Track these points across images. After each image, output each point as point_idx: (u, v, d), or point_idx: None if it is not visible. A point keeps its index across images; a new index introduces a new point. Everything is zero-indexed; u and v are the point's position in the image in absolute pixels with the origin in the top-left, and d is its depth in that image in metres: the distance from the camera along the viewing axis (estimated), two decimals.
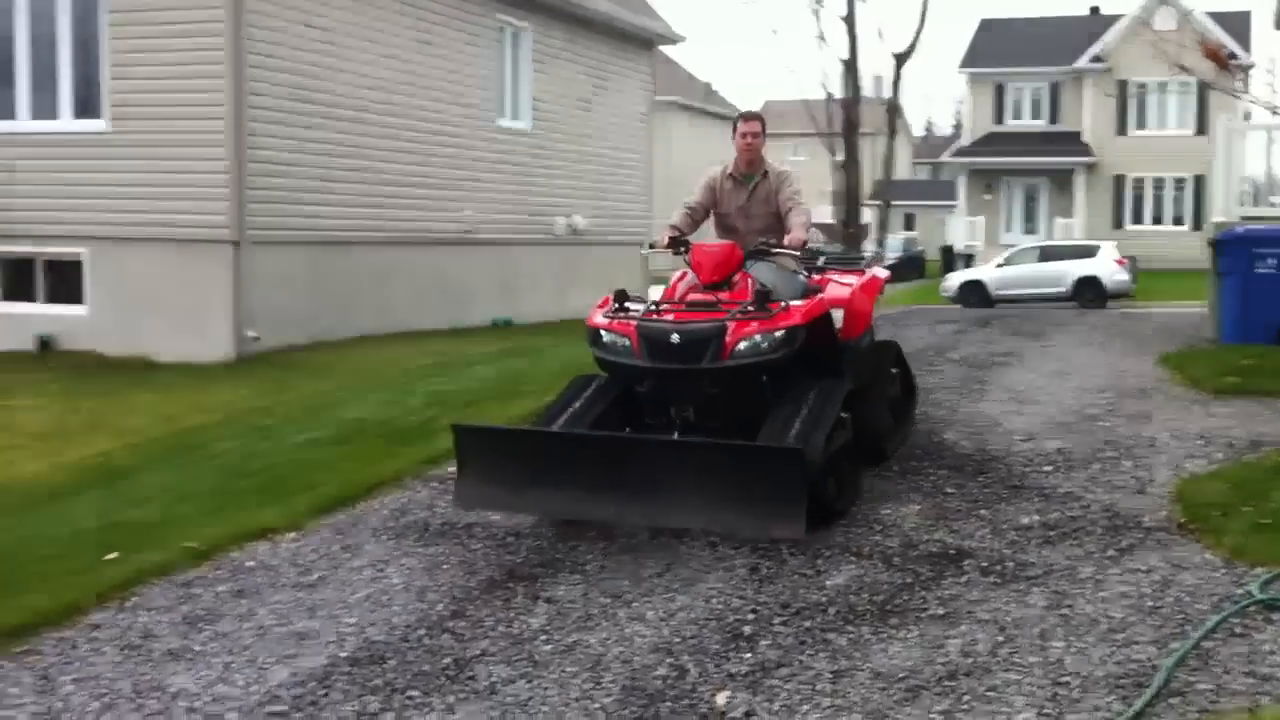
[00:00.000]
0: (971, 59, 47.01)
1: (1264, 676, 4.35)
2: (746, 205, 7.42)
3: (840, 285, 7.57)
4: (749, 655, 4.80)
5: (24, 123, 14.54)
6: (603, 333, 6.65)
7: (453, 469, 6.88)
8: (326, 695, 4.63)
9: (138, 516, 7.15)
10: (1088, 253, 29.63)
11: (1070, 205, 43.58)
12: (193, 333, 13.65)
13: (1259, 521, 5.98)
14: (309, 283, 14.83)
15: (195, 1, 13.63)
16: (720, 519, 5.91)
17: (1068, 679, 4.41)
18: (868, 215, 45.56)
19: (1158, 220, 43.09)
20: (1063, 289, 28.36)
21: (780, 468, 5.82)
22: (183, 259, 13.86)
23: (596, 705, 4.43)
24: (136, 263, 14.02)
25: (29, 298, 14.69)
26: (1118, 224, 42.59)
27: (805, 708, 4.32)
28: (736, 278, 6.67)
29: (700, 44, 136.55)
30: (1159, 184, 43.24)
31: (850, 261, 8.63)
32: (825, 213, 47.89)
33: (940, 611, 5.12)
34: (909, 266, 43.84)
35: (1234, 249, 12.54)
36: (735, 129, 7.49)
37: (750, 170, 7.45)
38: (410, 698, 4.58)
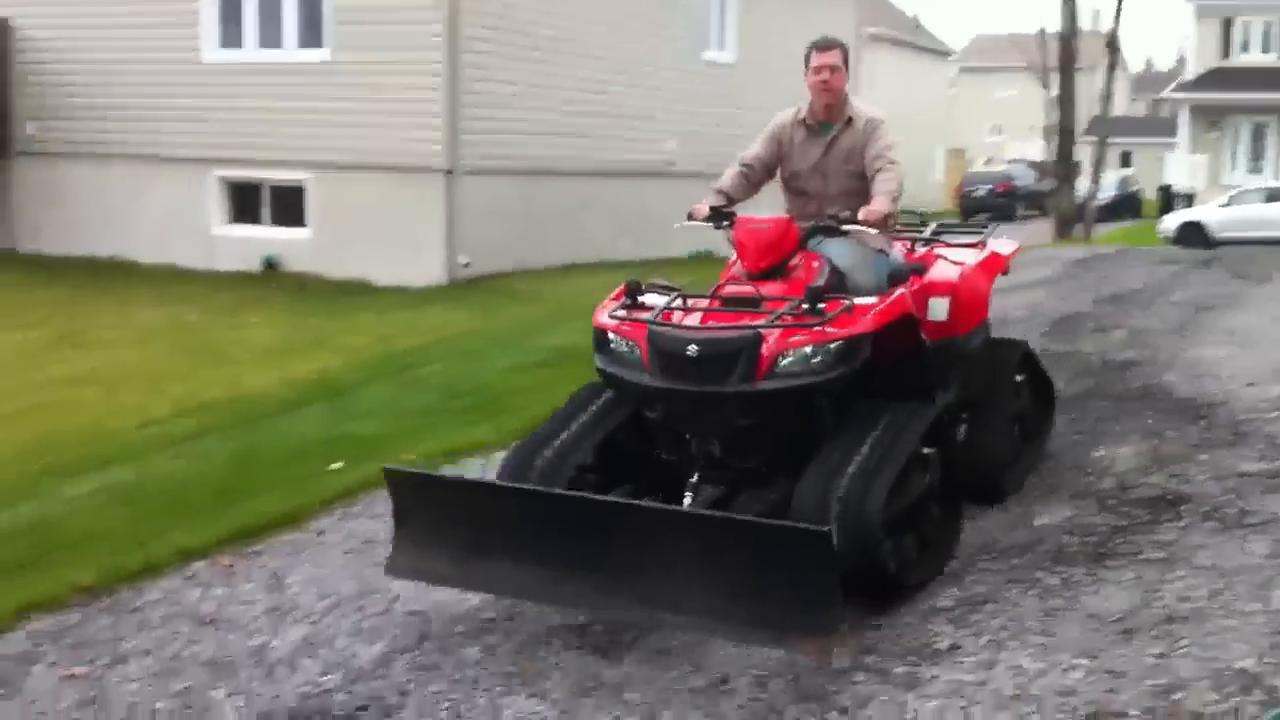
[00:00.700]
0: None
1: None
2: (823, 162, 5.62)
3: (948, 265, 5.91)
4: (955, 590, 4.79)
5: (251, 52, 15.17)
6: (610, 336, 5.01)
7: None
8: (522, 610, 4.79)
9: (359, 430, 7.49)
10: None
11: None
12: (407, 258, 14.11)
13: None
14: (515, 212, 15.13)
15: None
16: (725, 619, 4.21)
17: None
18: (1082, 152, 43.90)
19: None
20: None
21: (801, 557, 4.05)
22: (399, 187, 14.32)
23: None
24: (355, 189, 14.54)
25: (256, 220, 15.41)
26: None
27: (1013, 644, 4.29)
28: (797, 261, 5.10)
29: None
30: None
31: (967, 232, 6.73)
32: (1036, 149, 46.33)
33: (1157, 555, 4.99)
34: (1125, 206, 42.26)
35: None
36: (807, 62, 5.64)
37: (829, 117, 5.64)
38: None
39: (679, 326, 4.85)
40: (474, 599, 4.84)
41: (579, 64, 15.92)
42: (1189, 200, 37.07)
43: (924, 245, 6.11)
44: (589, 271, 15.17)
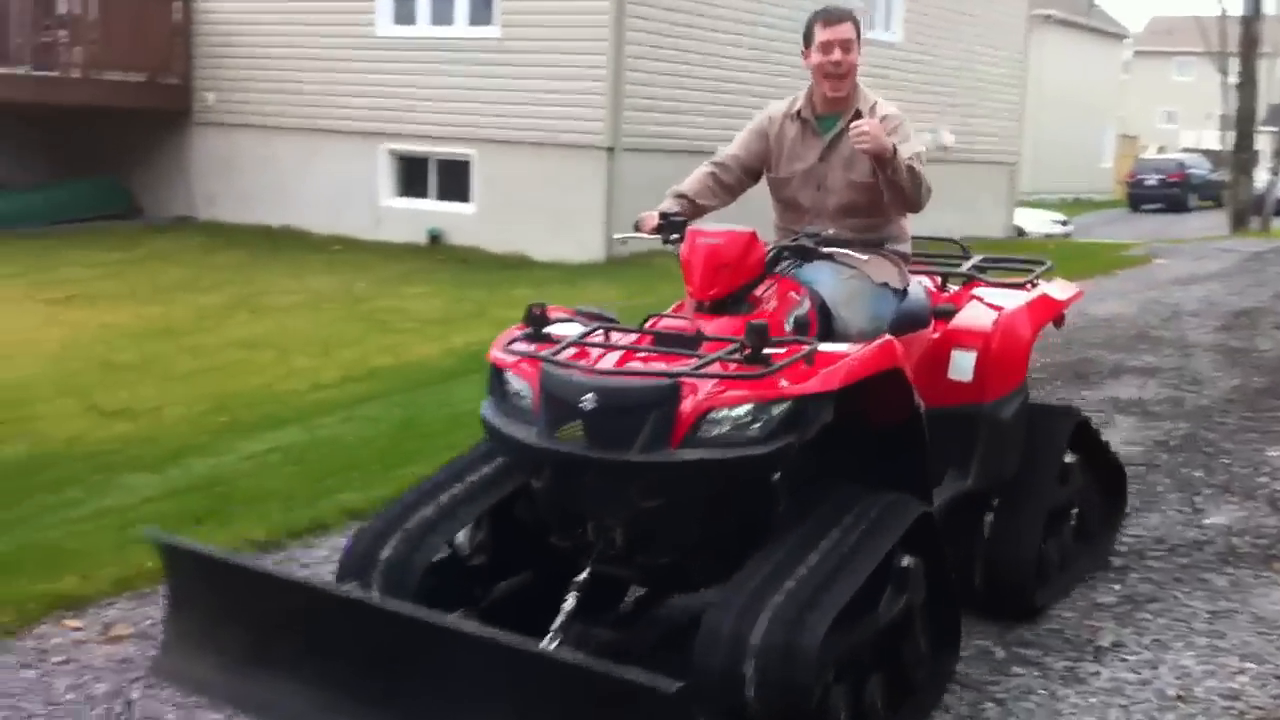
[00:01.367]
0: None
1: None
2: (819, 168, 4.34)
3: (982, 309, 4.58)
4: (1119, 586, 4.69)
5: (424, 28, 15.50)
6: (507, 376, 3.77)
7: None
8: None
9: None
10: None
11: None
12: (566, 234, 14.28)
13: None
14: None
15: None
16: None
17: None
18: (1261, 141, 42.14)
19: None
20: None
21: None
22: (561, 163, 14.49)
23: None
24: (518, 165, 14.77)
25: (422, 194, 15.77)
26: None
27: (1178, 645, 4.20)
28: (767, 290, 3.90)
29: None
30: None
31: (1019, 268, 5.12)
32: (1212, 138, 44.62)
33: None
34: None
35: None
36: (809, 39, 4.31)
37: (833, 109, 4.32)
38: None
39: (584, 369, 3.55)
40: None
41: (739, 41, 15.88)
42: None
43: (963, 281, 4.88)
44: None
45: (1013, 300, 4.65)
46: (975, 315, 4.53)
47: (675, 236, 4.15)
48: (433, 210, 15.45)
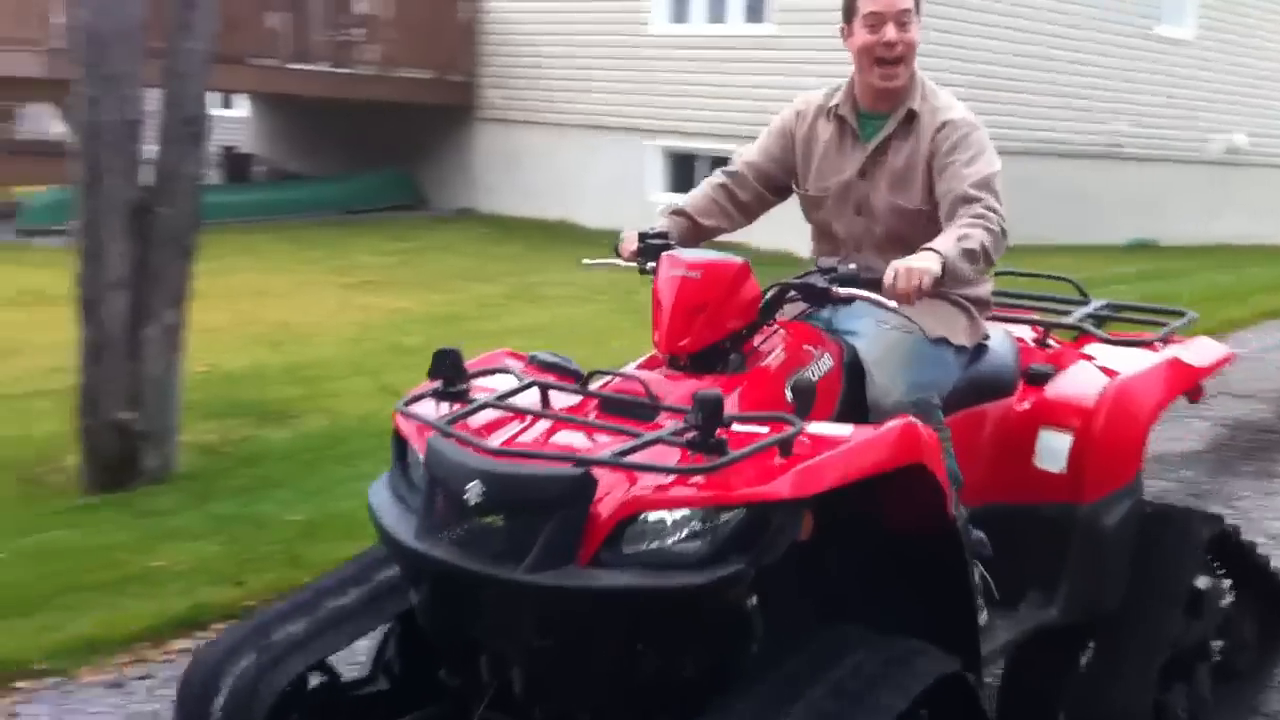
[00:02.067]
0: None
1: None
2: (859, 185, 3.34)
3: (1091, 373, 3.52)
4: None
5: (698, 25, 15.71)
6: (408, 446, 2.93)
7: None
8: None
9: None
10: None
11: None
12: None
13: None
14: None
15: None
16: None
17: None
18: None
19: None
20: None
21: None
22: None
23: None
24: None
25: (689, 190, 15.97)
26: None
27: None
28: (767, 341, 2.93)
29: None
30: None
31: (1151, 319, 4.03)
32: None
33: None
34: None
35: None
36: (850, 11, 3.38)
37: (881, 105, 3.39)
38: None
39: (476, 446, 2.56)
40: None
41: (1023, 39, 15.47)
42: None
43: (1074, 334, 3.83)
44: (1021, 254, 14.79)
45: (1132, 363, 3.56)
46: (1076, 382, 3.46)
47: (652, 265, 3.06)
48: None
